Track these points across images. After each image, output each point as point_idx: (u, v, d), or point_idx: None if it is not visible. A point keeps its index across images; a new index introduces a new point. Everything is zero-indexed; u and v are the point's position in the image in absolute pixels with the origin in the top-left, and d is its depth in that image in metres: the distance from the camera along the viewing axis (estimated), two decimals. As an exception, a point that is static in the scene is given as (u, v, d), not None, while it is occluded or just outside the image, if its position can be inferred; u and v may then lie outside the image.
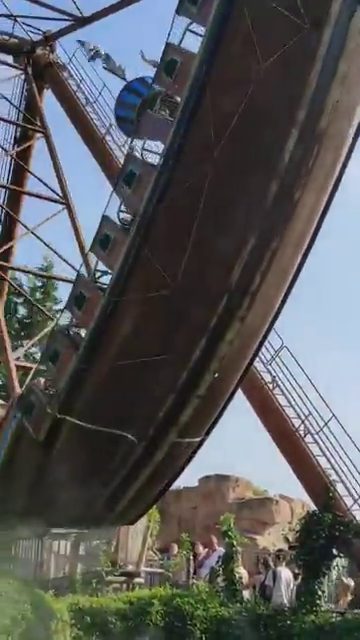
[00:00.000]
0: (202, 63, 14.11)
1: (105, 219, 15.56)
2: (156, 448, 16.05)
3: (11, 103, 25.50)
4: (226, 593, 18.04)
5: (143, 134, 15.83)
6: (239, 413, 21.21)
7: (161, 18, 19.70)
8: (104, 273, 15.76)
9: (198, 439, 16.63)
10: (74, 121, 25.10)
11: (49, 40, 26.10)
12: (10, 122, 25.56)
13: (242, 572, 18.73)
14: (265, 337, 16.66)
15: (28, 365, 22.15)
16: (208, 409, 16.34)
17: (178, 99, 14.88)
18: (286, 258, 15.18)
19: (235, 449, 46.12)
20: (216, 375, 15.58)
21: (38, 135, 25.43)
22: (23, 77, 25.87)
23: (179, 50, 15.00)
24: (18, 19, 25.71)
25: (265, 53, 13.36)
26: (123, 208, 15.51)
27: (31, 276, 34.62)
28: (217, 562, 19.05)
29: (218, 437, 18.11)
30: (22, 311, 36.74)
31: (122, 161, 21.95)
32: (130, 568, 19.66)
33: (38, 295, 36.24)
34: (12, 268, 26.10)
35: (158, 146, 15.27)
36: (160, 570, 20.63)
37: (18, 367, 21.27)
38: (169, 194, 14.37)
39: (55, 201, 23.93)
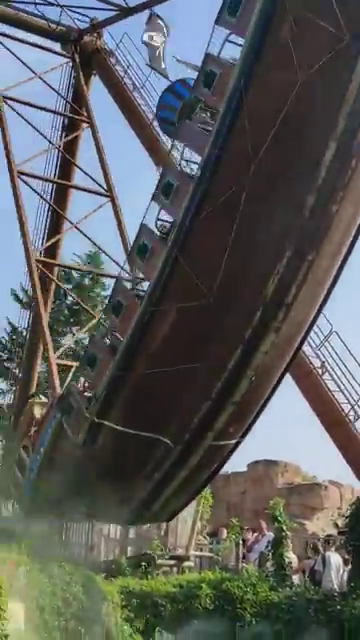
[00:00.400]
0: (240, 76, 13.99)
1: (143, 227, 15.70)
2: (192, 452, 16.26)
3: (58, 93, 25.51)
4: (276, 577, 18.05)
5: (183, 140, 15.69)
6: (288, 398, 21.20)
7: (202, 12, 19.53)
8: (143, 279, 15.90)
9: (234, 441, 16.74)
10: (121, 107, 25.15)
11: (96, 28, 26.15)
12: (57, 113, 25.56)
13: (292, 557, 18.73)
14: (301, 344, 16.58)
15: (69, 363, 22.33)
16: (243, 414, 16.43)
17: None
18: (322, 270, 15.08)
19: (284, 435, 46.07)
20: (253, 379, 15.62)
21: (84, 125, 25.45)
22: (70, 65, 25.94)
23: (218, 61, 14.87)
24: (65, 8, 25.78)
25: (304, 66, 13.20)
26: (161, 216, 15.53)
27: (80, 263, 34.82)
28: (266, 547, 19.08)
29: (268, 423, 18.19)
30: (71, 298, 37.01)
31: (169, 146, 22.20)
32: (180, 552, 19.77)
33: (87, 281, 36.44)
34: (59, 265, 26.26)
35: (195, 156, 15.19)
36: (209, 554, 20.73)
37: (59, 365, 21.44)
38: (206, 207, 14.33)
39: (99, 194, 24.06)
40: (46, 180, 24.64)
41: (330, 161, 14.01)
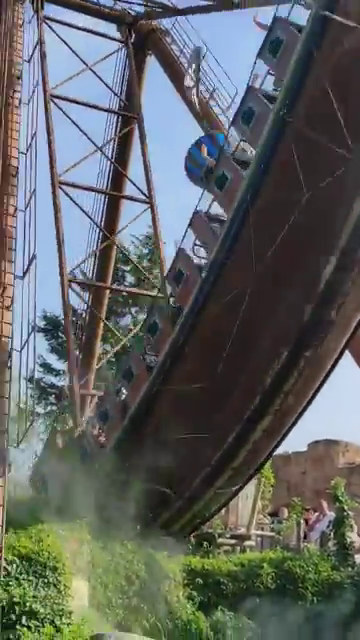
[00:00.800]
0: (248, 188, 14.82)
1: (155, 308, 17.43)
2: (194, 502, 17.59)
3: (109, 88, 25.23)
4: (337, 557, 17.97)
5: (195, 232, 16.78)
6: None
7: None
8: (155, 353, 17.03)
9: (237, 487, 18.02)
10: (177, 87, 24.98)
11: (150, 17, 25.98)
12: (107, 110, 25.24)
13: (353, 537, 18.61)
14: (301, 415, 17.36)
15: (93, 393, 22.38)
16: (243, 473, 17.68)
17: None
18: (321, 361, 16.19)
19: (346, 413, 45.79)
20: (251, 448, 16.97)
21: (133, 122, 25.20)
22: (123, 51, 25.70)
23: (230, 165, 15.71)
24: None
25: (309, 182, 13.82)
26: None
27: (138, 245, 34.94)
28: (328, 526, 19.00)
29: (326, 402, 18.15)
30: (130, 279, 37.19)
31: (226, 126, 22.22)
32: (241, 531, 19.82)
33: (145, 263, 36.53)
34: (109, 288, 26.71)
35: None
36: (271, 533, 20.73)
37: (84, 395, 21.54)
38: (210, 304, 15.50)
39: (140, 201, 24.12)
40: (87, 189, 24.13)
41: (330, 274, 14.92)
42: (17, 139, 20.43)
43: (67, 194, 22.12)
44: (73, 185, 22.78)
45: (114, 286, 27.76)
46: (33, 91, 22.04)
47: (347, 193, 14.20)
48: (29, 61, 22.62)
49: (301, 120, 13.96)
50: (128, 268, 35.89)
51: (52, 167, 21.93)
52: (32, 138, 21.56)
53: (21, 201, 20.07)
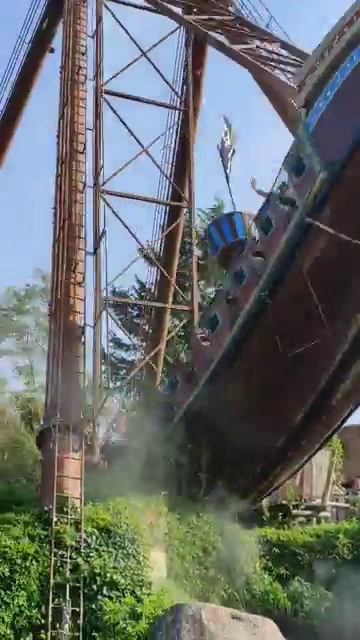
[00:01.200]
0: (232, 342, 16.82)
1: (155, 392, 20.16)
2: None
3: (168, 84, 24.76)
4: None
5: (192, 355, 19.45)
6: None
7: None
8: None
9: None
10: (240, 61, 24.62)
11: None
12: (158, 104, 24.69)
13: None
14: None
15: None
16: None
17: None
18: (301, 456, 18.22)
19: None
20: None
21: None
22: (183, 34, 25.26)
23: (223, 308, 17.70)
24: None
25: (286, 348, 15.62)
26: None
27: (204, 217, 34.78)
28: None
29: None
30: (196, 252, 37.12)
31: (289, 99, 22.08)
32: (316, 502, 19.79)
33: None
34: (135, 303, 28.56)
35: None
36: (346, 505, 20.65)
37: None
38: (203, 412, 17.19)
39: (181, 206, 24.12)
40: (128, 197, 22.76)
41: (301, 418, 17.00)
42: (83, 115, 20.46)
43: (108, 204, 20.98)
44: (115, 194, 21.68)
45: (144, 302, 27.75)
46: (97, 70, 22.01)
47: (320, 361, 16.07)
48: (93, 37, 22.57)
49: (279, 301, 16.03)
50: (195, 242, 35.75)
51: (97, 176, 20.94)
52: (98, 116, 21.55)
53: (89, 177, 20.15)
